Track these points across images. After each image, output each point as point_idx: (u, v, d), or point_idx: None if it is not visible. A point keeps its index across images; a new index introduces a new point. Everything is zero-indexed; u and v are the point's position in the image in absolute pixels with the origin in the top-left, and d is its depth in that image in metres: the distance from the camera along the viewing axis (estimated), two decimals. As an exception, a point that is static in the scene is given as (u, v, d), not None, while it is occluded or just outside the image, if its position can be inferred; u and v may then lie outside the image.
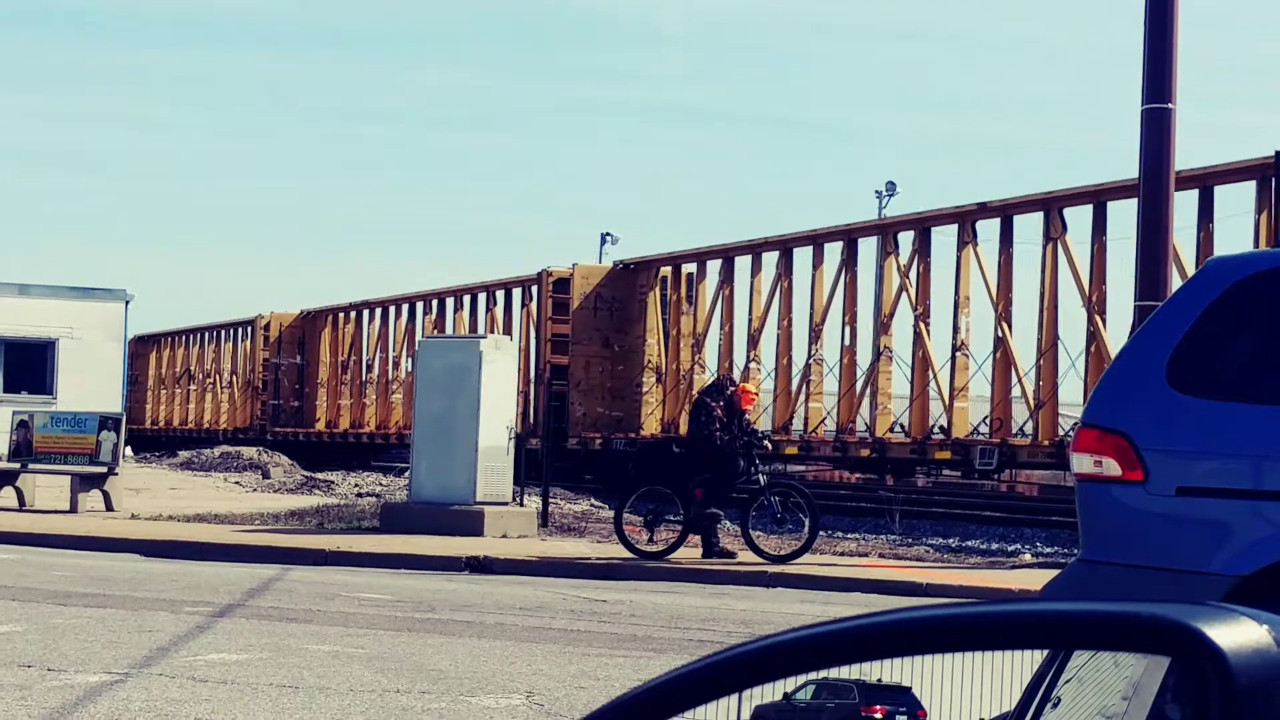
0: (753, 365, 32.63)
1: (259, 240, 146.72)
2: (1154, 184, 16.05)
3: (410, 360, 40.92)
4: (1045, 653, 1.92)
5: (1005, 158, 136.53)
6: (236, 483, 33.18)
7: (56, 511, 22.28)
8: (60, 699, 8.23)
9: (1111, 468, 6.78)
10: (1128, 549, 6.79)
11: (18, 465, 23.34)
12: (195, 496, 27.25)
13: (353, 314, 48.48)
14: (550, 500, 22.88)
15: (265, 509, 23.46)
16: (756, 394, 18.98)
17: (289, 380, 50.34)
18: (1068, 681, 1.93)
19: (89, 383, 31.58)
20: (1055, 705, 1.94)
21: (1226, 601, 1.60)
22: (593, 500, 28.46)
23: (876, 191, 64.21)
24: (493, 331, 38.47)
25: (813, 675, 1.77)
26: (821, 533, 18.54)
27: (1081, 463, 6.93)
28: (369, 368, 47.09)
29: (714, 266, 35.15)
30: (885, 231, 31.27)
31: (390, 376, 45.55)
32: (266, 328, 50.72)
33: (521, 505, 21.16)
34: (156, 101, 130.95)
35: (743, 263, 34.00)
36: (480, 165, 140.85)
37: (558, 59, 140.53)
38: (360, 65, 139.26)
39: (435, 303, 43.85)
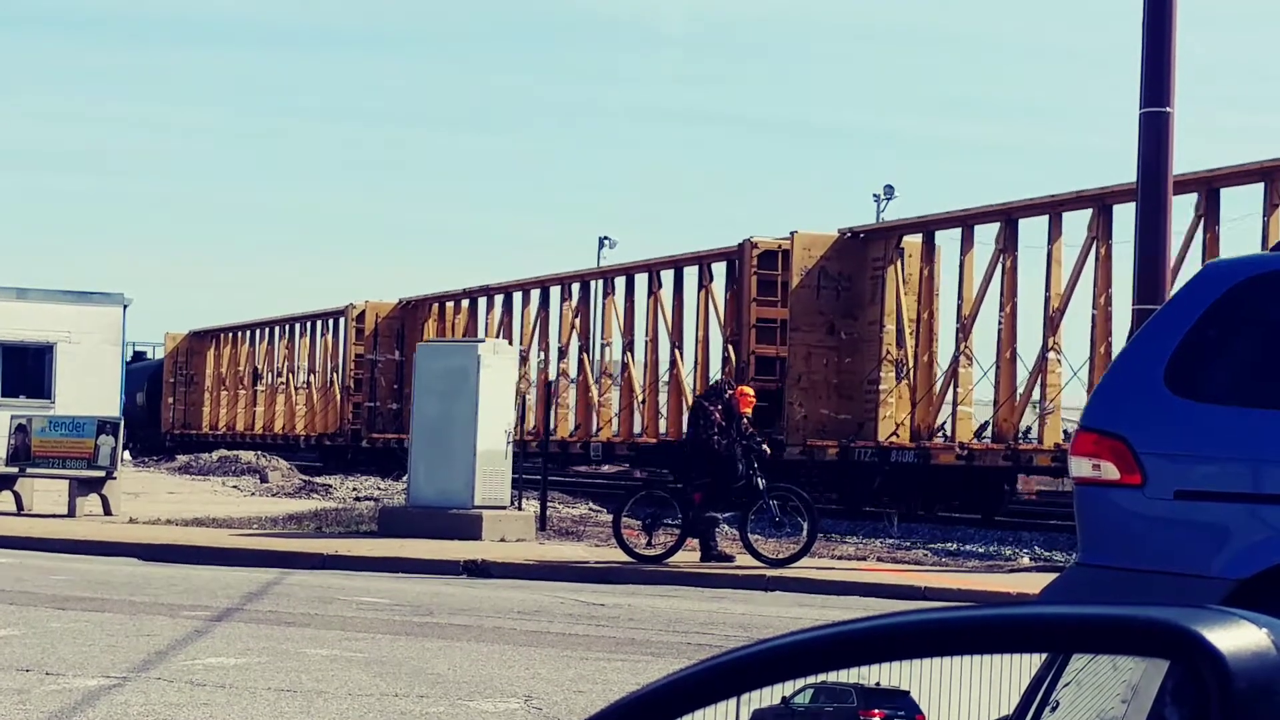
0: (1051, 355, 25.73)
1: (257, 244, 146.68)
2: (1152, 188, 16.07)
3: (544, 353, 37.13)
4: (1044, 656, 1.92)
5: (1009, 160, 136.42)
6: (234, 487, 33.17)
7: (54, 515, 22.27)
8: (58, 703, 8.23)
9: (1110, 471, 6.78)
10: (1126, 553, 6.79)
11: (16, 469, 23.34)
12: (193, 500, 27.24)
13: (465, 302, 41.81)
14: (548, 504, 22.88)
15: (263, 513, 23.45)
16: (754, 397, 18.94)
17: (387, 379, 43.23)
18: (1066, 685, 1.93)
19: (87, 387, 31.59)
20: (1054, 709, 1.94)
21: (1226, 605, 1.59)
22: (591, 504, 28.44)
23: (875, 195, 62.78)
24: (658, 316, 33.63)
25: (811, 679, 1.77)
26: (820, 536, 18.53)
27: (1080, 466, 6.93)
28: (487, 363, 40.65)
29: (985, 233, 27.27)
30: (1273, 177, 22.76)
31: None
32: (360, 319, 43.64)
33: (520, 509, 21.16)
34: (155, 102, 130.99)
35: (1032, 225, 26.56)
36: (478, 168, 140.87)
37: (556, 61, 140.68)
38: (357, 66, 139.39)
39: (577, 286, 36.87)
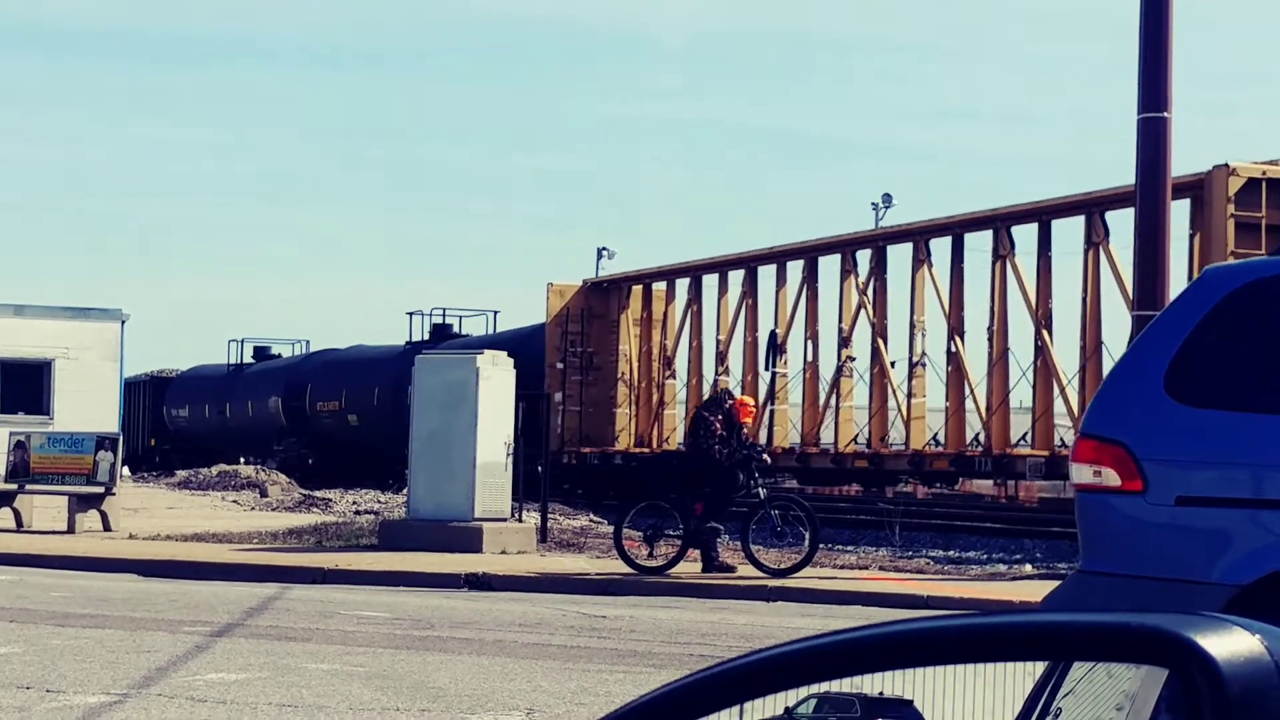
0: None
1: (258, 258, 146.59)
2: (1150, 193, 16.09)
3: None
4: (1045, 664, 1.92)
5: (1039, 166, 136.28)
6: (234, 501, 33.15)
7: (54, 532, 22.26)
8: (59, 720, 8.22)
9: (1110, 478, 6.78)
10: (1127, 559, 6.78)
11: (15, 486, 23.34)
12: (193, 516, 27.21)
13: None
14: (549, 515, 22.86)
15: (263, 527, 23.42)
16: (754, 407, 18.94)
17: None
18: (1067, 694, 1.93)
19: (86, 403, 31.58)
20: (1055, 717, 1.94)
21: (1227, 611, 1.60)
22: (591, 515, 28.43)
23: (873, 204, 62.49)
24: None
25: (814, 688, 1.77)
26: (821, 546, 18.52)
27: (1080, 473, 6.93)
28: None
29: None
30: None
31: None
32: (1252, 194, 21.55)
33: (520, 521, 21.14)
34: (154, 121, 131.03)
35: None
36: (476, 180, 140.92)
37: (554, 73, 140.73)
38: (356, 83, 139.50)
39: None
